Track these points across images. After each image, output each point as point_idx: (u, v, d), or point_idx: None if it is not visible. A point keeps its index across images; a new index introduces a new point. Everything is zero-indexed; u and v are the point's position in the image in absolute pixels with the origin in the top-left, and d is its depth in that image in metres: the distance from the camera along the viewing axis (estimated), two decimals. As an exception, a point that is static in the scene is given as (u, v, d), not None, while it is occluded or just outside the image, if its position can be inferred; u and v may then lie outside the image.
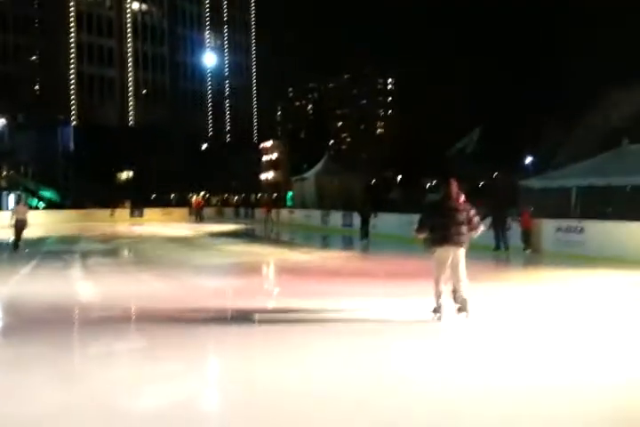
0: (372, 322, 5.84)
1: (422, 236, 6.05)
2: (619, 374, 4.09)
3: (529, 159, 32.00)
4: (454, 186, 5.88)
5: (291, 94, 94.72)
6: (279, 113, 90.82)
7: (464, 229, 5.76)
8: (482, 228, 6.04)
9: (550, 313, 6.31)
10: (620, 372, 4.16)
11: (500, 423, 3.23)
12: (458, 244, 5.72)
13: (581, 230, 12.09)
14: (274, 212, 27.27)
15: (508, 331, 5.53)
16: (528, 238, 12.82)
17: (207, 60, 63.92)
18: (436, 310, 5.82)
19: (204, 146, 55.88)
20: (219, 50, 67.04)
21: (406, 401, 3.57)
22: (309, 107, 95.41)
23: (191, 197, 36.72)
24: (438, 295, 5.82)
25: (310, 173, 31.01)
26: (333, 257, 13.19)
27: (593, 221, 12.34)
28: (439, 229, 5.79)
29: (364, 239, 16.64)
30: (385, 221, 18.35)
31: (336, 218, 22.25)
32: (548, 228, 12.82)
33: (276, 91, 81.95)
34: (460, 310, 5.81)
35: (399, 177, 53.36)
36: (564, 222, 12.65)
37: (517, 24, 50.46)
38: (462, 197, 5.98)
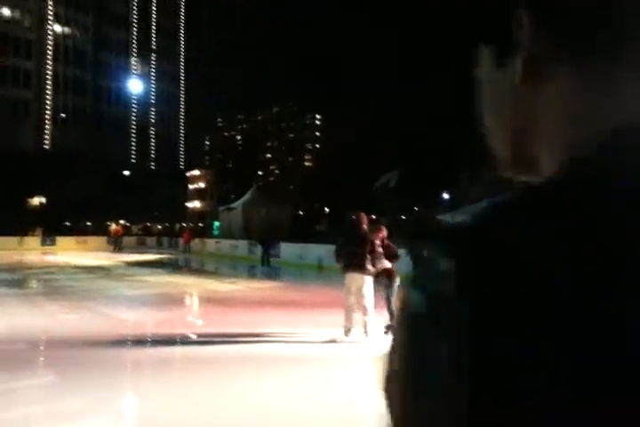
0: (298, 351, 5.80)
1: (340, 264, 6.44)
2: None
3: (446, 195, 33.88)
4: (362, 217, 6.36)
5: (220, 124, 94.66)
6: (207, 142, 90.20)
7: (368, 257, 6.11)
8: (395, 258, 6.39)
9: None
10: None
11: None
12: (361, 271, 6.10)
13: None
14: (196, 241, 26.72)
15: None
16: None
17: (132, 86, 62.65)
18: (346, 333, 6.16)
19: (126, 173, 53.90)
20: (145, 77, 66.08)
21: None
22: (238, 137, 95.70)
23: (109, 225, 35.00)
24: (347, 320, 6.16)
25: (238, 204, 30.79)
26: (260, 287, 13.02)
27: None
28: (344, 257, 6.26)
29: (264, 266, 18.29)
30: (313, 252, 18.55)
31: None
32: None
33: (205, 120, 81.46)
34: (365, 333, 6.13)
35: (327, 209, 54.25)
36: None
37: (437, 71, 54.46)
38: (383, 230, 6.38)
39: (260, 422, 3.64)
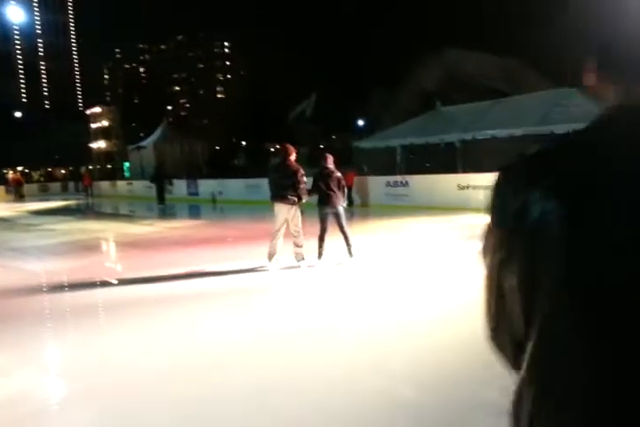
0: (224, 284, 5.88)
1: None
2: (445, 308, 4.75)
3: (360, 122, 34.12)
4: (290, 150, 6.51)
5: (118, 56, 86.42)
6: (106, 76, 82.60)
7: (292, 188, 6.35)
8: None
9: (383, 258, 7.00)
10: (445, 306, 4.84)
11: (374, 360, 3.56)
12: (286, 201, 6.36)
13: (406, 184, 13.44)
14: (105, 184, 25.53)
15: (349, 277, 6.02)
16: (350, 195, 13.72)
17: (12, 14, 54.90)
18: (269, 258, 6.48)
19: (18, 114, 48.73)
20: (26, 3, 57.88)
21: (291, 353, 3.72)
22: (142, 70, 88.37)
23: (7, 173, 32.07)
24: (271, 247, 6.44)
25: (148, 142, 29.17)
26: (179, 227, 12.78)
27: (415, 176, 13.77)
28: (273, 188, 6.51)
29: (160, 204, 18.32)
30: (231, 187, 18.32)
31: (180, 187, 21.44)
32: (378, 183, 13.98)
33: (102, 52, 73.97)
34: (300, 259, 6.52)
35: (244, 143, 52.88)
36: (392, 178, 13.93)
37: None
38: (331, 162, 6.69)
39: (196, 361, 3.72)
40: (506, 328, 0.74)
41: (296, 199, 6.35)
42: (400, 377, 3.18)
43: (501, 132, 13.47)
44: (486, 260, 0.76)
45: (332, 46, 49.45)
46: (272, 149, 35.77)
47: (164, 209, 17.66)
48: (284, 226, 6.41)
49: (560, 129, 13.27)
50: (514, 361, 0.74)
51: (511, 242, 0.70)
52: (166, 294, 5.55)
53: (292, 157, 6.48)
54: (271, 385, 3.12)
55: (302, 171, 6.42)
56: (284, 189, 6.32)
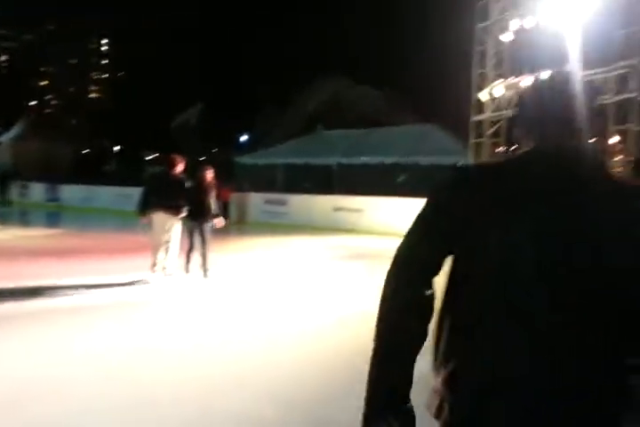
0: (78, 302, 5.46)
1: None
2: (315, 322, 4.91)
3: (245, 137, 34.15)
4: (177, 160, 6.52)
5: (-26, 39, 76.68)
6: (-43, 61, 72.76)
7: (178, 200, 6.34)
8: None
9: (256, 275, 7.05)
10: (316, 319, 5.00)
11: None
12: (167, 212, 6.32)
13: (285, 202, 13.73)
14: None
15: (216, 294, 5.97)
16: (226, 211, 13.71)
17: None
18: (152, 269, 6.41)
19: None
20: None
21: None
22: (3, 58, 79.35)
23: None
24: (153, 256, 6.35)
25: (4, 137, 26.17)
26: (35, 236, 11.57)
27: (294, 195, 14.14)
28: (153, 198, 6.39)
29: (5, 206, 17.36)
30: (100, 195, 17.09)
31: (38, 191, 19.49)
32: (256, 200, 14.10)
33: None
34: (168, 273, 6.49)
35: (117, 148, 49.76)
36: (271, 196, 14.14)
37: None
38: (210, 175, 6.79)
39: (57, 377, 3.40)
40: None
41: (178, 211, 6.30)
42: (262, 393, 3.24)
43: (374, 160, 14.46)
44: (418, 230, 1.18)
45: (225, 56, 49.07)
46: (149, 158, 34.17)
47: (6, 213, 16.08)
48: (163, 237, 6.31)
49: (424, 161, 14.64)
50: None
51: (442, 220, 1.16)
52: (29, 310, 5.01)
53: (179, 167, 6.50)
54: (130, 402, 3.00)
55: (187, 183, 6.45)
56: (166, 200, 6.28)
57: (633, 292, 1.04)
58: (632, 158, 9.00)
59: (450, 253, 1.15)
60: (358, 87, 23.18)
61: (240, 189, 14.56)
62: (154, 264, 6.41)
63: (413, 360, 1.11)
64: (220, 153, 30.75)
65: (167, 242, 6.34)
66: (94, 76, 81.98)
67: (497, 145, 12.51)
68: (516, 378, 1.03)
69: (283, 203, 13.72)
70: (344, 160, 15.31)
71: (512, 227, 1.07)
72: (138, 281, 6.36)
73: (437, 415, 1.10)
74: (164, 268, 6.44)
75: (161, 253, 6.40)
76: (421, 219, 1.17)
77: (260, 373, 3.59)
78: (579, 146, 1.15)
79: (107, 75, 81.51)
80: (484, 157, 12.24)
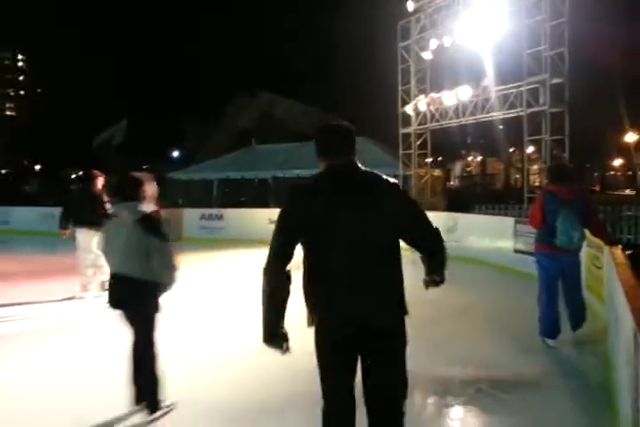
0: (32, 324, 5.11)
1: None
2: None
3: (176, 153, 33.47)
4: (94, 175, 6.63)
5: None
6: None
7: (95, 213, 6.12)
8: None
9: (196, 291, 6.92)
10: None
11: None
12: (90, 227, 6.18)
13: (221, 217, 13.57)
14: None
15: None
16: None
17: None
18: (82, 290, 6.33)
19: None
20: None
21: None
22: None
23: None
24: (83, 276, 6.32)
25: None
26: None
27: (230, 209, 14.02)
28: (75, 214, 6.51)
29: None
30: (21, 216, 16.06)
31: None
32: (192, 216, 13.83)
33: None
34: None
35: (38, 167, 47.08)
36: (207, 211, 13.94)
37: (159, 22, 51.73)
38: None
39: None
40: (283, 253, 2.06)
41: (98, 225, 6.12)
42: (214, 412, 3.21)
43: (308, 172, 14.65)
44: (279, 230, 2.07)
45: (146, 70, 47.92)
46: (74, 176, 32.54)
47: None
48: (90, 255, 6.16)
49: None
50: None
51: (296, 218, 2.06)
52: None
53: (98, 182, 6.54)
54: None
55: (105, 197, 6.38)
56: (88, 216, 6.16)
57: (401, 231, 2.12)
58: (545, 166, 9.78)
59: (299, 241, 2.05)
60: (288, 102, 23.50)
61: (174, 205, 14.24)
62: (84, 284, 6.28)
63: (284, 306, 2.03)
64: (151, 169, 29.87)
65: (95, 260, 6.13)
66: (10, 92, 77.33)
67: (424, 156, 13.14)
68: (336, 299, 2.03)
69: (219, 217, 13.56)
70: (279, 173, 15.40)
71: (338, 217, 2.00)
72: (70, 303, 6.06)
73: (309, 325, 2.10)
74: (98, 286, 6.25)
75: (89, 272, 6.27)
76: (280, 220, 2.08)
77: (207, 389, 3.55)
78: (352, 162, 2.10)
79: (23, 91, 77.18)
80: (413, 166, 12.82)
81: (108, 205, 6.26)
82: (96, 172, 6.66)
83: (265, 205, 14.65)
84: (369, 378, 2.08)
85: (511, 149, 30.94)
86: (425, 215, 2.17)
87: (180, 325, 5.36)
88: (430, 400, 3.42)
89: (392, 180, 2.13)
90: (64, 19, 55.33)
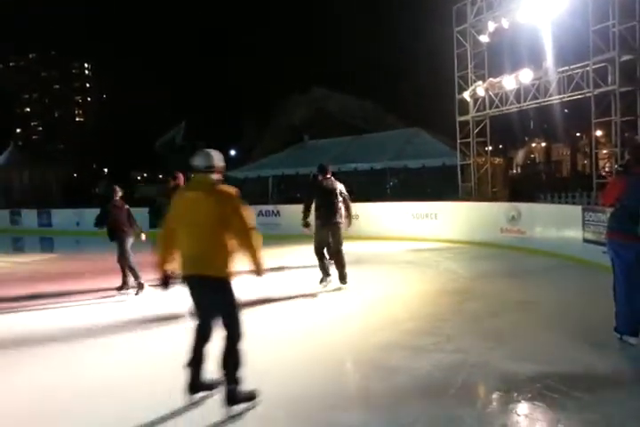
0: (76, 322, 5.43)
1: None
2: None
3: (233, 152, 34.23)
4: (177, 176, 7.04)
5: (-45, 70, 76.60)
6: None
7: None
8: None
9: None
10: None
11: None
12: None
13: (278, 213, 13.74)
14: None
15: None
16: None
17: None
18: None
19: None
20: None
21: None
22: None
23: None
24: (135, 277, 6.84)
25: (-9, 166, 26.01)
26: (28, 261, 11.50)
27: (286, 205, 14.16)
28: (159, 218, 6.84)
29: None
30: (91, 217, 17.03)
31: (30, 217, 19.38)
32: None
33: None
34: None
35: (106, 170, 49.59)
36: (264, 207, 14.16)
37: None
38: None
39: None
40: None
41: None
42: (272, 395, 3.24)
43: (363, 166, 14.55)
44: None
45: (203, 73, 49.35)
46: (139, 177, 34.06)
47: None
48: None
49: (412, 164, 14.76)
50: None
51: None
52: (31, 335, 4.98)
53: (177, 182, 6.91)
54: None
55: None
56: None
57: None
58: (615, 149, 9.14)
59: None
60: (339, 97, 23.42)
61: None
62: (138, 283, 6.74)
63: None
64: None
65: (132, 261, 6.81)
66: (78, 99, 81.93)
67: (483, 144, 12.68)
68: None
69: (276, 214, 13.74)
70: (333, 168, 15.35)
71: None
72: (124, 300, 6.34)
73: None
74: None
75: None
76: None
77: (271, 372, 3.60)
78: None
79: (90, 98, 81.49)
80: (472, 155, 12.40)
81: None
82: (179, 173, 6.98)
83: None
84: None
85: (577, 134, 29.27)
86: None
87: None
88: (495, 396, 3.28)
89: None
90: (128, 30, 57.92)
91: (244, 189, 17.22)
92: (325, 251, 6.74)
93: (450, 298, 5.91)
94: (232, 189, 3.13)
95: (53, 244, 16.20)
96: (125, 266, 6.77)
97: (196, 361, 3.08)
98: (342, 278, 6.61)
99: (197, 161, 3.17)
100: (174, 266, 3.16)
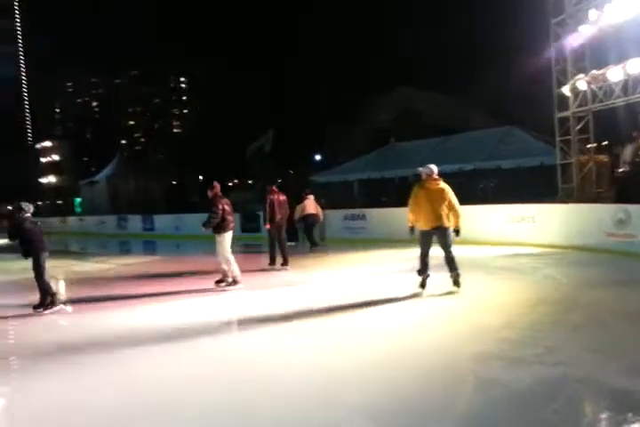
0: (186, 323, 5.75)
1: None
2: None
3: (318, 157, 34.74)
4: (214, 187, 7.71)
5: (70, 89, 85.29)
6: (57, 110, 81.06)
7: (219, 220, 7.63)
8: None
9: (344, 290, 7.08)
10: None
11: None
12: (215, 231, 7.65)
13: (363, 217, 13.70)
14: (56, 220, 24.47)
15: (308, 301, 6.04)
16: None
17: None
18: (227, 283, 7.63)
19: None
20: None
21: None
22: (94, 104, 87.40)
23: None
24: (231, 271, 7.63)
25: (101, 176, 28.60)
26: (133, 263, 12.42)
27: (373, 209, 14.08)
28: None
29: None
30: (188, 222, 18.09)
31: (135, 222, 21.01)
32: (335, 217, 14.18)
33: (53, 86, 72.72)
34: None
35: (200, 178, 52.33)
36: (349, 211, 14.18)
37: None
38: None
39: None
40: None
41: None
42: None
43: (452, 167, 14.06)
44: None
45: (286, 81, 50.82)
46: (230, 184, 35.64)
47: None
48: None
49: (506, 164, 14.03)
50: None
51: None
52: (130, 333, 5.37)
53: (211, 191, 7.61)
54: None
55: (217, 205, 7.42)
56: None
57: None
58: None
59: None
60: (425, 95, 22.83)
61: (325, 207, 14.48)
62: (233, 277, 7.57)
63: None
64: (295, 174, 31.47)
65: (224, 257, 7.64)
66: (175, 111, 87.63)
67: (585, 141, 11.76)
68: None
69: (361, 217, 13.71)
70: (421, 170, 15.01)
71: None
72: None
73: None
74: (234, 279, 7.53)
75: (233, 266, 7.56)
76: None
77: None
78: None
79: (186, 110, 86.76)
80: (573, 154, 11.54)
81: (216, 210, 7.43)
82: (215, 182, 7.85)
83: (407, 204, 14.37)
84: None
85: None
86: None
87: (333, 328, 5.47)
88: (604, 415, 2.99)
89: None
90: (218, 45, 61.17)
91: (328, 192, 17.50)
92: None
93: (550, 307, 5.52)
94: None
95: (155, 247, 17.41)
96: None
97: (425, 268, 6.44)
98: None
99: (427, 170, 6.28)
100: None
